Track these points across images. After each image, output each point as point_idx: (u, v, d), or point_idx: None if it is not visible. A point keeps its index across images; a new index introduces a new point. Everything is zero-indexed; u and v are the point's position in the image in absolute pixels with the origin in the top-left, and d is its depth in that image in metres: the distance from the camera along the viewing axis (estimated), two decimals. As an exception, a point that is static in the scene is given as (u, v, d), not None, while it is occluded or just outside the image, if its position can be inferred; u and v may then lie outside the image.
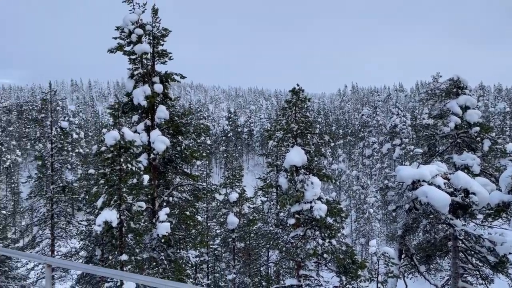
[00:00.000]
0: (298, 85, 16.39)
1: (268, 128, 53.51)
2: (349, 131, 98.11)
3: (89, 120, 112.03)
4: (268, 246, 18.35)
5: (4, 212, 36.32)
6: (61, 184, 22.19)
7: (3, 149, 78.58)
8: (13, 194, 60.87)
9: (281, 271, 20.22)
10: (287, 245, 15.61)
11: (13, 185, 63.72)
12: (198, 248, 19.08)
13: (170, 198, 17.61)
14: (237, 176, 27.18)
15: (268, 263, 24.48)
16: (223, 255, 27.38)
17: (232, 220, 24.55)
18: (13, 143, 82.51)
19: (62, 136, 22.80)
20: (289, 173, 15.17)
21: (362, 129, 79.59)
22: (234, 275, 24.60)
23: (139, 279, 2.64)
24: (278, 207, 17.00)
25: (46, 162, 22.20)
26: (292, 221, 15.04)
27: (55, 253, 22.18)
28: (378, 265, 16.51)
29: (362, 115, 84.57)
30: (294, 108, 16.06)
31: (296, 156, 14.82)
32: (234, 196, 25.51)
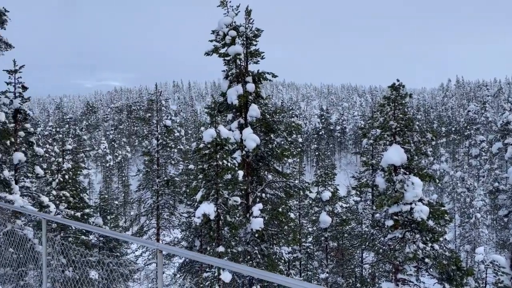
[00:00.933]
0: (398, 80, 15.60)
1: (363, 125, 51.74)
2: (453, 128, 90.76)
3: (188, 119, 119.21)
4: (363, 247, 17.78)
5: (116, 202, 40.37)
6: (165, 178, 23.96)
7: (115, 145, 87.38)
8: (124, 186, 67.30)
9: (376, 274, 19.47)
10: (384, 247, 14.96)
11: (123, 178, 70.53)
12: (291, 245, 19.19)
13: (263, 194, 17.98)
14: (330, 175, 26.77)
15: (362, 265, 23.74)
16: (316, 253, 27.20)
17: (325, 219, 24.25)
18: (123, 140, 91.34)
19: (166, 134, 24.58)
20: (387, 172, 14.50)
21: (468, 127, 73.09)
22: (327, 275, 24.29)
23: (245, 270, 2.72)
24: (374, 208, 16.36)
25: (152, 157, 24.14)
26: (390, 222, 14.35)
27: (160, 241, 24.07)
28: (486, 274, 15.06)
29: (469, 111, 77.63)
30: (393, 104, 15.31)
31: (395, 154, 14.10)
32: (326, 194, 25.17)
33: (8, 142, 17.42)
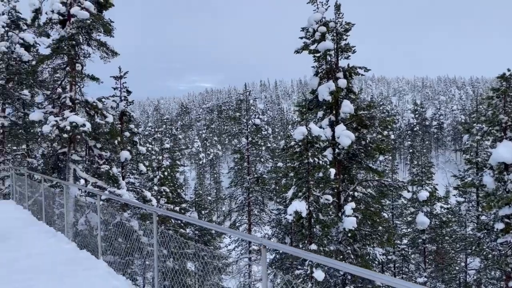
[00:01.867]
0: (509, 70, 14.03)
1: (464, 120, 47.63)
2: None
3: (275, 117, 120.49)
4: (468, 251, 16.34)
5: (209, 198, 42.30)
6: (255, 175, 24.47)
7: (207, 144, 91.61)
8: (216, 183, 70.24)
9: (483, 281, 17.75)
10: (493, 253, 13.59)
11: (215, 175, 73.64)
12: (385, 246, 18.37)
13: (355, 193, 17.45)
14: (427, 173, 25.08)
15: (466, 270, 21.85)
16: (412, 256, 25.70)
17: (422, 220, 22.78)
18: (215, 139, 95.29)
19: (255, 132, 25.08)
20: (497, 171, 13.13)
21: None
22: (425, 279, 22.80)
23: (363, 273, 2.61)
24: (480, 209, 14.93)
25: (243, 155, 24.80)
26: (500, 225, 12.99)
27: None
28: None
29: None
30: (503, 96, 13.81)
31: (505, 151, 12.71)
32: (424, 194, 23.62)
33: (116, 142, 19.10)
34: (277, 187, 24.00)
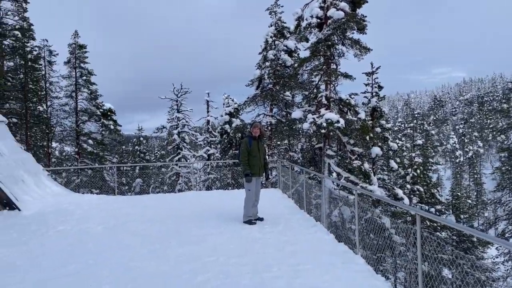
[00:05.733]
0: None
1: None
2: None
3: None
4: None
5: (469, 201, 37.54)
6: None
7: (465, 140, 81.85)
8: (476, 185, 61.99)
9: None
10: None
11: (475, 176, 64.96)
12: None
13: None
14: None
15: None
16: None
17: None
18: (475, 135, 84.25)
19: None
20: None
21: None
22: None
23: None
24: None
25: (515, 153, 20.80)
26: None
27: None
28: None
29: None
30: None
31: None
32: None
33: (367, 138, 19.20)
34: None
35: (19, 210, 10.00)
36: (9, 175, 10.71)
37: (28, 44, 25.28)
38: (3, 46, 23.75)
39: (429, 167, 28.51)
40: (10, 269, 5.63)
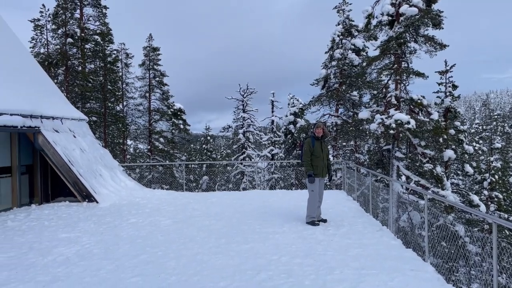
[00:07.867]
0: None
1: None
2: None
3: None
4: None
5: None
6: None
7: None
8: None
9: None
10: None
11: None
12: None
13: None
14: None
15: None
16: None
17: None
18: None
19: None
20: None
21: None
22: None
23: None
24: None
25: None
26: None
27: None
28: None
29: None
30: None
31: None
32: None
33: (440, 139, 18.15)
34: None
35: (97, 202, 10.80)
36: (89, 169, 11.60)
37: (107, 48, 27.16)
38: (85, 50, 25.73)
39: (510, 173, 26.33)
40: (87, 256, 6.11)
